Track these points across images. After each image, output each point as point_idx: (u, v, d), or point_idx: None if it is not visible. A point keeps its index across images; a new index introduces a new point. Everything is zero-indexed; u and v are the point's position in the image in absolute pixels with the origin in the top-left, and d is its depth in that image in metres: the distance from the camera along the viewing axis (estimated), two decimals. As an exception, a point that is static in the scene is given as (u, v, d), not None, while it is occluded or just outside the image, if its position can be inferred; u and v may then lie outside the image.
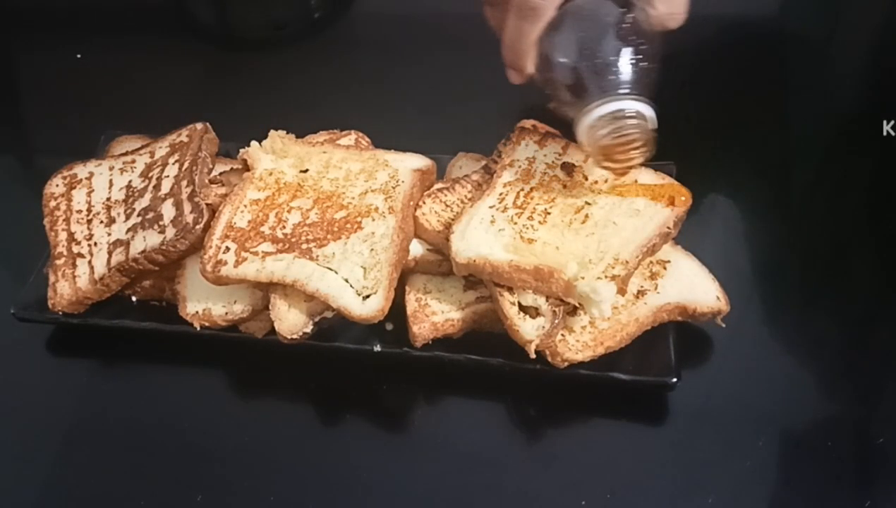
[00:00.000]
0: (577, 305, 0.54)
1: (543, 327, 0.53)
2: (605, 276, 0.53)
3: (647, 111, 0.52)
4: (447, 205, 0.61)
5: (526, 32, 0.54)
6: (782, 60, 0.83)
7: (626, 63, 0.53)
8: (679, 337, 0.57)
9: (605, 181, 0.59)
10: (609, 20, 0.54)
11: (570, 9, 0.54)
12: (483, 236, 0.56)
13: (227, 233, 0.59)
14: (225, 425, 0.59)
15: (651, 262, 0.59)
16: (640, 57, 0.53)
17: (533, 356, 0.53)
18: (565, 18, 0.54)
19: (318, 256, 0.57)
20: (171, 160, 0.66)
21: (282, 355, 0.60)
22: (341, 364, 0.60)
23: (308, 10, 0.98)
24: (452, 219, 0.59)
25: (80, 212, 0.65)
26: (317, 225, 0.59)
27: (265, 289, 0.58)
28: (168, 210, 0.62)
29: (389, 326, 0.58)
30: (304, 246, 0.58)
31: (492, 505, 0.54)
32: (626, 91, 0.52)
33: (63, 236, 0.64)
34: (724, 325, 0.57)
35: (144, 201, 0.64)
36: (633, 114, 0.52)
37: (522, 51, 0.55)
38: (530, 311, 0.54)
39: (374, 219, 0.59)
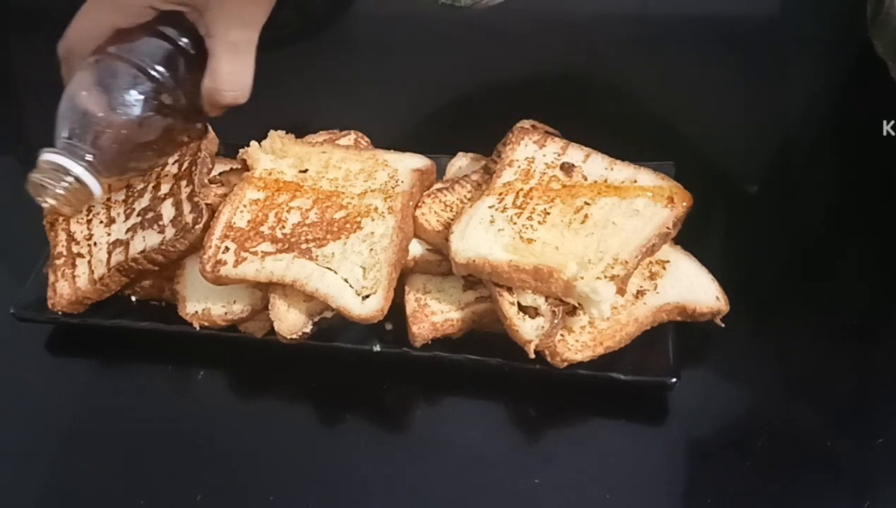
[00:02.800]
0: (577, 305, 0.54)
1: (543, 327, 0.53)
2: (605, 276, 0.53)
3: (71, 169, 0.55)
4: (447, 205, 0.61)
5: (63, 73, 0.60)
6: (782, 60, 0.83)
7: (86, 127, 0.56)
8: (679, 337, 0.57)
9: (605, 181, 0.60)
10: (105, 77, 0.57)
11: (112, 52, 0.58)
12: (482, 236, 0.56)
13: (227, 233, 0.59)
14: (225, 425, 0.59)
15: (650, 262, 0.59)
16: (103, 122, 0.56)
17: (532, 356, 0.53)
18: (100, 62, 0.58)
19: (317, 256, 0.57)
20: (171, 160, 0.66)
21: (282, 355, 0.60)
22: (341, 364, 0.60)
23: (308, 10, 0.98)
24: (452, 219, 0.58)
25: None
26: (316, 225, 0.59)
27: (265, 289, 0.58)
28: (167, 210, 0.62)
29: (389, 326, 0.58)
30: (304, 246, 0.58)
31: (492, 505, 0.54)
32: (86, 157, 0.55)
33: (63, 236, 0.64)
34: (723, 325, 0.57)
35: (144, 201, 0.64)
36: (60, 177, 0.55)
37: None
38: (530, 311, 0.54)
39: (373, 219, 0.59)
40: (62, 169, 0.55)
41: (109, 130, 0.56)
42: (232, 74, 0.58)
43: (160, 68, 0.57)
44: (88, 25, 0.59)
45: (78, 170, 0.55)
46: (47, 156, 0.55)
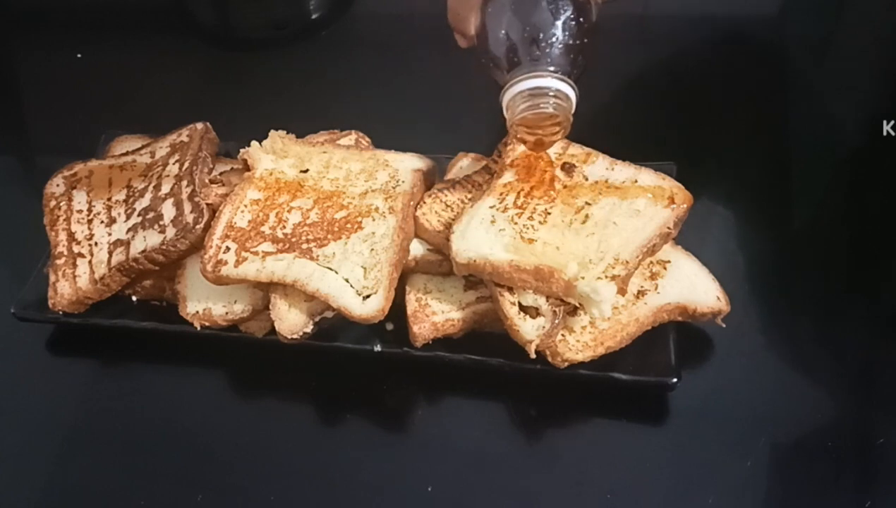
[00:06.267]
0: (578, 305, 0.54)
1: (543, 327, 0.53)
2: (606, 276, 0.53)
3: (567, 90, 0.52)
4: (447, 205, 0.61)
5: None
6: (782, 61, 0.83)
7: (554, 38, 0.52)
8: (679, 337, 0.57)
9: (606, 181, 0.60)
10: None
11: None
12: (483, 236, 0.56)
13: (228, 233, 0.59)
14: (225, 425, 0.59)
15: (651, 262, 0.59)
16: (571, 33, 0.52)
17: (533, 356, 0.53)
18: None
19: (318, 256, 0.57)
20: (172, 160, 0.66)
21: (282, 355, 0.60)
22: (341, 364, 0.60)
23: (308, 10, 0.98)
24: (453, 219, 0.58)
25: (80, 211, 0.65)
26: (317, 225, 0.59)
27: (265, 289, 0.58)
28: (168, 210, 0.62)
29: (390, 326, 0.58)
30: (305, 246, 0.58)
31: (492, 505, 0.54)
32: (551, 68, 0.52)
33: (63, 236, 0.64)
34: (724, 325, 0.57)
35: (145, 201, 0.64)
36: (553, 93, 0.52)
37: (464, 15, 0.56)
38: (530, 311, 0.54)
39: (374, 219, 0.59)
40: (560, 93, 0.52)
41: (571, 37, 0.52)
42: None
43: None
44: None
45: (567, 88, 0.52)
46: (549, 84, 0.51)
